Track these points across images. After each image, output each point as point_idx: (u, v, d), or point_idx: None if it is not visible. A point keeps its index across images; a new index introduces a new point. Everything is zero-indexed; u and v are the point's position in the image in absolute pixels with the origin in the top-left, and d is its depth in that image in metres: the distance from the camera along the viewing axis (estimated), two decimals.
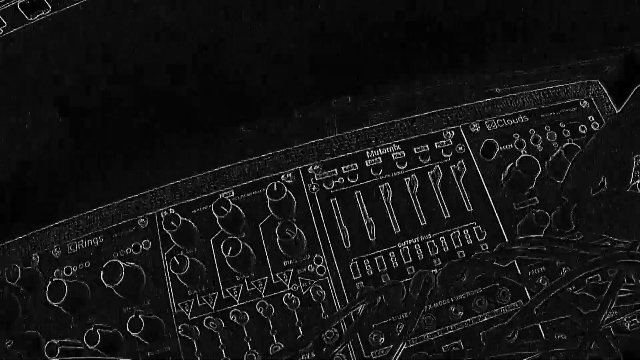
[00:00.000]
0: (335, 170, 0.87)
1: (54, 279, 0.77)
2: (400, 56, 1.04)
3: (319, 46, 1.01)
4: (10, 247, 0.84)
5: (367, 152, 0.88)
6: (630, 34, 1.07)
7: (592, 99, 0.95)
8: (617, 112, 0.95)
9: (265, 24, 0.96)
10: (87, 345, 0.73)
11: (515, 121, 0.92)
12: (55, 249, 0.84)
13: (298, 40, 0.98)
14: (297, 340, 0.74)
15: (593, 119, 0.93)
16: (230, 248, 0.78)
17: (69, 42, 0.88)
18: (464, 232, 0.83)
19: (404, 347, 0.69)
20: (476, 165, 0.88)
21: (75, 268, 0.82)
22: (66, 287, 0.76)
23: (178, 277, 0.79)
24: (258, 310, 0.78)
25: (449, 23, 1.03)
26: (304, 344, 0.72)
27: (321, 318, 0.79)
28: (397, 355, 0.68)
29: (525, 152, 0.89)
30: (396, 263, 0.82)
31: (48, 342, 0.73)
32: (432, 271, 0.79)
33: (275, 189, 0.80)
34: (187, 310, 0.80)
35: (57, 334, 0.77)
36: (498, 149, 0.88)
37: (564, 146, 0.84)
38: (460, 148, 0.89)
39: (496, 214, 0.85)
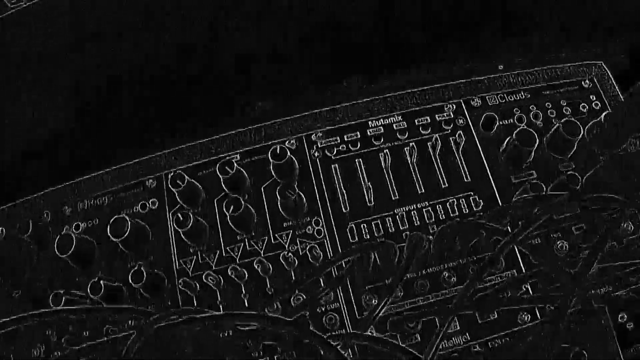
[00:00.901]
0: (338, 137, 0.90)
1: (62, 233, 0.81)
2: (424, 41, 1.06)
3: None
4: (24, 205, 0.88)
5: (369, 122, 0.91)
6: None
7: (595, 79, 0.96)
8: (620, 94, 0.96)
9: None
10: (91, 295, 0.76)
11: (517, 97, 0.93)
12: (66, 208, 0.87)
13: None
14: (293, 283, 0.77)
15: (595, 98, 0.94)
16: (232, 207, 0.80)
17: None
18: (460, 201, 0.85)
19: (388, 302, 0.71)
20: (476, 138, 0.90)
21: (84, 225, 0.86)
22: (74, 240, 0.79)
23: (181, 233, 0.82)
24: (256, 267, 0.80)
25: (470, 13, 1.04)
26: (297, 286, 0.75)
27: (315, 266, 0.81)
28: (380, 311, 0.70)
29: (525, 126, 0.90)
30: (392, 228, 0.84)
31: (54, 292, 0.76)
32: (427, 236, 0.80)
33: (278, 151, 0.83)
34: (188, 266, 0.83)
35: (64, 286, 0.80)
36: (498, 123, 0.90)
37: (562, 121, 0.86)
38: (461, 121, 0.91)
39: (493, 185, 0.86)
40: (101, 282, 0.77)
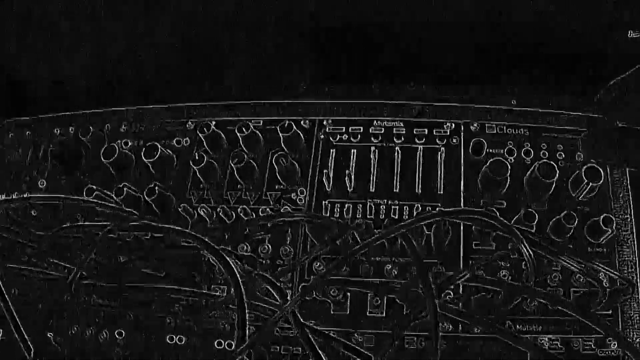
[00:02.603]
0: (344, 127, 1.04)
1: (111, 144, 1.04)
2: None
3: None
4: (92, 115, 1.13)
5: (375, 121, 1.04)
6: None
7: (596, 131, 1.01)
8: None
9: None
10: (115, 197, 0.99)
11: (515, 132, 1.01)
12: (124, 125, 1.11)
13: None
14: None
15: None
16: (237, 159, 0.99)
17: None
18: (426, 208, 0.97)
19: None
20: (462, 159, 1.00)
21: (131, 143, 1.09)
22: (117, 152, 1.02)
23: (197, 170, 1.02)
24: (240, 213, 0.99)
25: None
26: None
27: None
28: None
29: (512, 159, 0.99)
30: (360, 215, 0.98)
31: (88, 186, 1.00)
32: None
33: (286, 126, 1.00)
34: (194, 197, 1.03)
35: (98, 184, 1.03)
36: (486, 151, 0.99)
37: (539, 162, 0.93)
38: (455, 140, 1.01)
39: (461, 203, 0.97)
40: (124, 188, 0.99)
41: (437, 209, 0.96)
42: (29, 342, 0.88)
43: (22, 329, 0.88)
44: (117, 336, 0.95)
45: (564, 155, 0.99)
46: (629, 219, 0.96)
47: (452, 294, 0.86)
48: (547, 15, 1.08)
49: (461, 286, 0.87)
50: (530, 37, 1.10)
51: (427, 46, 1.11)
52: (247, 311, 0.79)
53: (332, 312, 0.92)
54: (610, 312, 0.90)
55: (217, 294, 0.94)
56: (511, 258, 0.91)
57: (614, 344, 0.88)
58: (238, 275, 0.81)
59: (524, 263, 0.88)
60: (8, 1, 1.18)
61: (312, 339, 0.78)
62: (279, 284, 0.91)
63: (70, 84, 1.26)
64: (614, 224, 0.91)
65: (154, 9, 1.16)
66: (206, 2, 1.15)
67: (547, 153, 0.99)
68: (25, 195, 1.03)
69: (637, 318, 0.91)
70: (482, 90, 1.07)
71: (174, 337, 0.94)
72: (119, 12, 1.18)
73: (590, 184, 0.93)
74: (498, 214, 0.90)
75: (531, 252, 0.80)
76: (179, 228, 0.88)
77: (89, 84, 1.26)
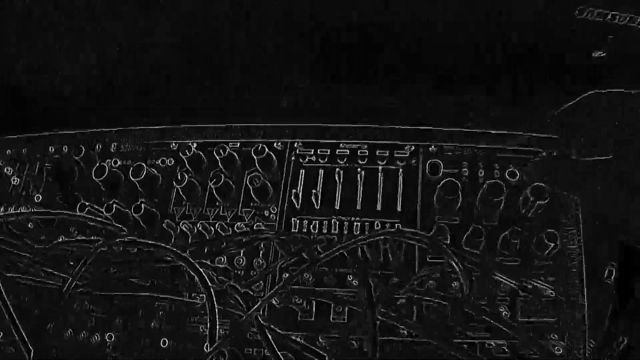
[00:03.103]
0: (312, 150, 1.14)
1: (102, 163, 1.14)
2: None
3: None
4: (84, 135, 1.23)
5: (341, 144, 1.13)
6: None
7: (554, 153, 1.10)
8: None
9: None
10: (105, 212, 1.09)
11: (470, 152, 1.10)
12: (113, 145, 1.21)
13: None
14: None
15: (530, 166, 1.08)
16: (215, 179, 1.09)
17: None
18: (385, 225, 1.06)
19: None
20: (419, 179, 1.09)
21: (120, 162, 1.18)
22: (107, 170, 1.12)
23: (179, 189, 1.12)
24: (218, 229, 1.08)
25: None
26: None
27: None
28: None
29: (466, 179, 1.08)
30: (325, 230, 1.07)
31: (81, 202, 1.10)
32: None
33: (259, 149, 1.10)
34: (177, 213, 1.13)
35: (90, 200, 1.13)
36: (442, 171, 1.08)
37: (489, 182, 1.02)
38: (414, 161, 1.10)
39: (418, 221, 1.06)
40: (113, 205, 1.09)
41: (396, 225, 1.06)
42: (28, 344, 0.98)
43: (22, 330, 0.98)
44: (107, 339, 1.05)
45: (517, 174, 1.08)
46: (576, 234, 1.05)
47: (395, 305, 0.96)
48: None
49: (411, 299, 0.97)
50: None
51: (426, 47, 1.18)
52: (217, 315, 0.89)
53: (298, 319, 1.02)
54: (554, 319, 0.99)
55: (197, 301, 1.04)
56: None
57: (558, 349, 0.97)
58: (210, 289, 0.91)
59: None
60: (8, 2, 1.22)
61: (271, 340, 0.89)
62: (250, 293, 1.01)
63: (69, 84, 1.33)
64: (559, 240, 1.00)
65: (153, 9, 1.20)
66: (206, 2, 1.19)
67: (498, 173, 1.08)
68: (21, 210, 1.14)
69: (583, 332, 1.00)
70: (442, 113, 1.16)
71: (159, 340, 1.05)
72: (118, 12, 1.22)
73: (537, 202, 1.02)
74: (448, 231, 1.00)
75: (461, 267, 0.90)
76: (162, 244, 0.98)
77: (89, 85, 1.33)
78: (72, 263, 1.06)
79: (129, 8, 1.21)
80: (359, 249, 0.97)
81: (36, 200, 1.17)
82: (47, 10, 1.22)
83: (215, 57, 1.29)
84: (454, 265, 0.90)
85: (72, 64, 1.30)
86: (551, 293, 0.95)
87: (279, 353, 0.87)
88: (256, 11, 1.19)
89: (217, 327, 0.90)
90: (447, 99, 1.18)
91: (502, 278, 0.91)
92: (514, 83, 1.18)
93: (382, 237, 0.95)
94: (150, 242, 1.00)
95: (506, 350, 0.98)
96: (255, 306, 0.90)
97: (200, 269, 0.95)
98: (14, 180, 1.21)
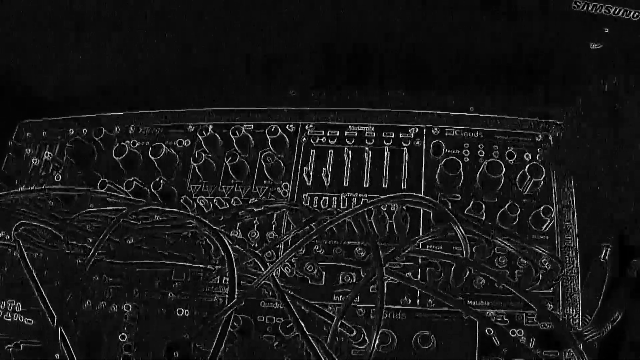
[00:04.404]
0: (322, 131, 1.21)
1: (122, 143, 1.20)
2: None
3: None
4: (104, 118, 1.30)
5: (349, 126, 1.20)
6: None
7: (550, 136, 1.17)
8: None
9: None
10: (125, 189, 1.14)
11: (471, 135, 1.17)
12: (132, 127, 1.27)
13: None
14: None
15: (541, 151, 1.15)
16: (230, 157, 1.15)
17: None
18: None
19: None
20: (423, 159, 1.16)
21: (139, 143, 1.25)
22: (127, 150, 1.18)
23: (195, 167, 1.18)
24: (233, 204, 1.15)
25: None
26: None
27: None
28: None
29: (467, 159, 1.15)
30: (334, 205, 1.14)
31: (101, 180, 1.15)
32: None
33: (272, 129, 1.16)
34: (194, 190, 1.19)
35: (110, 178, 1.18)
36: (444, 151, 1.15)
37: (488, 160, 1.09)
38: (417, 143, 1.17)
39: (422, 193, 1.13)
40: (134, 182, 1.15)
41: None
42: (52, 310, 1.02)
43: (46, 298, 1.02)
44: (124, 309, 1.11)
45: (515, 155, 1.15)
46: (571, 209, 1.12)
47: (400, 265, 1.03)
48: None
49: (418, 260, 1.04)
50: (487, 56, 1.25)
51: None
52: (235, 276, 0.95)
53: (309, 285, 1.08)
54: (551, 290, 1.06)
55: (213, 268, 1.09)
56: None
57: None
58: (230, 248, 0.97)
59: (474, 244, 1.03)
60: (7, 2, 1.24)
61: (286, 297, 0.94)
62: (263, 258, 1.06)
63: (75, 89, 1.38)
64: (553, 214, 1.07)
65: (155, 15, 1.24)
66: (206, 2, 1.23)
67: (498, 153, 1.15)
68: (43, 187, 1.19)
69: (577, 297, 1.06)
70: (445, 99, 1.23)
71: (175, 309, 1.10)
72: (119, 19, 1.26)
73: (533, 179, 1.09)
74: (449, 204, 1.07)
75: (463, 232, 0.96)
76: (183, 211, 1.04)
77: (94, 89, 1.37)
78: (93, 235, 1.11)
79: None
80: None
81: (56, 180, 1.23)
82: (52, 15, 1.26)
83: (219, 56, 1.35)
84: (457, 229, 0.96)
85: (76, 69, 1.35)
86: (547, 262, 1.00)
87: (293, 309, 0.92)
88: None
89: (236, 286, 0.94)
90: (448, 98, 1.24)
91: (503, 242, 0.97)
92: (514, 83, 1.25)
93: (391, 202, 1.00)
94: (170, 209, 1.05)
95: (505, 319, 1.04)
96: (271, 267, 0.96)
97: (219, 233, 1.00)
98: (34, 160, 1.27)
